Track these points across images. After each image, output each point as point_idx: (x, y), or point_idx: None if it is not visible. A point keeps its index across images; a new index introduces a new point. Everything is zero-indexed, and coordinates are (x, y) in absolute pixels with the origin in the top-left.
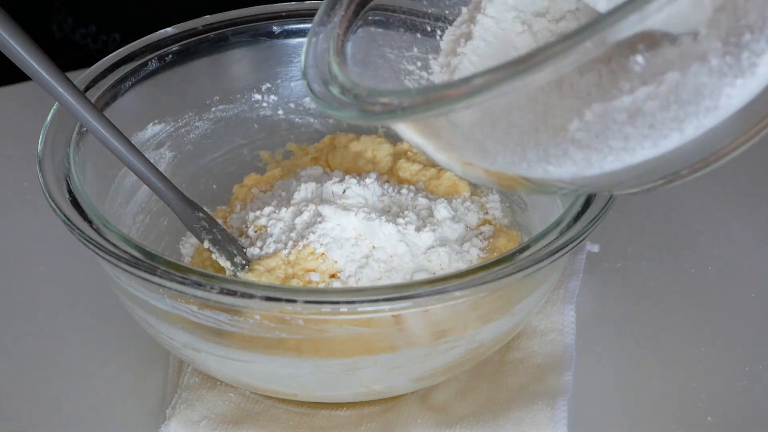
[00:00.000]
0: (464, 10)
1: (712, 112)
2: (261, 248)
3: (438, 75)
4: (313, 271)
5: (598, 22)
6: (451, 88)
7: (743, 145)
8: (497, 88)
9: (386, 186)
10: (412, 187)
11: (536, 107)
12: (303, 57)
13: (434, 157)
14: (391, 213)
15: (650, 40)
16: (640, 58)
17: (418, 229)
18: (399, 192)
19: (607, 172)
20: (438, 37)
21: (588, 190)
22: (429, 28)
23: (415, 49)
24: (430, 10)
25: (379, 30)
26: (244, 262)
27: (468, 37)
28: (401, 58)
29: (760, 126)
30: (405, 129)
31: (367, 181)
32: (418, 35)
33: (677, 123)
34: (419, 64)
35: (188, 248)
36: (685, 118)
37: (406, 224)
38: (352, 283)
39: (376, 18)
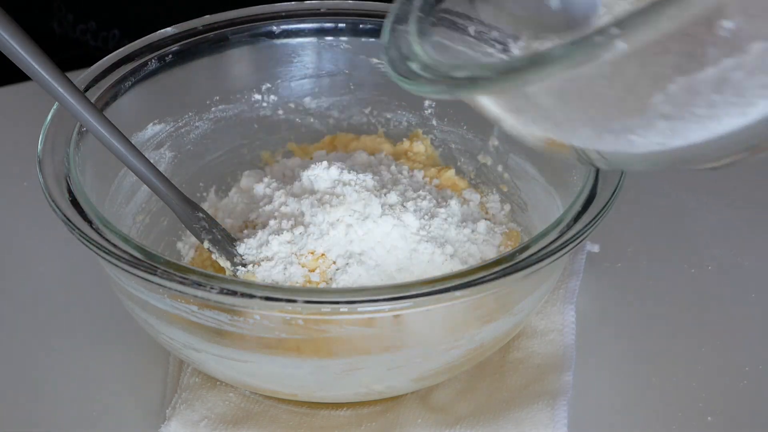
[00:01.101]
0: None
1: None
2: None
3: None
4: (313, 271)
5: None
6: (537, 58)
7: None
8: (584, 57)
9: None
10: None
11: (619, 79)
12: (383, 37)
13: (513, 132)
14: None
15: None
16: (727, 23)
17: (416, 228)
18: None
19: (691, 143)
20: None
21: (665, 166)
22: None
23: (496, 33)
24: None
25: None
26: (244, 261)
27: None
28: (481, 42)
29: None
30: (487, 102)
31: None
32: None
33: (765, 90)
34: (499, 47)
35: (188, 248)
36: None
37: (401, 215)
38: (348, 283)
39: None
